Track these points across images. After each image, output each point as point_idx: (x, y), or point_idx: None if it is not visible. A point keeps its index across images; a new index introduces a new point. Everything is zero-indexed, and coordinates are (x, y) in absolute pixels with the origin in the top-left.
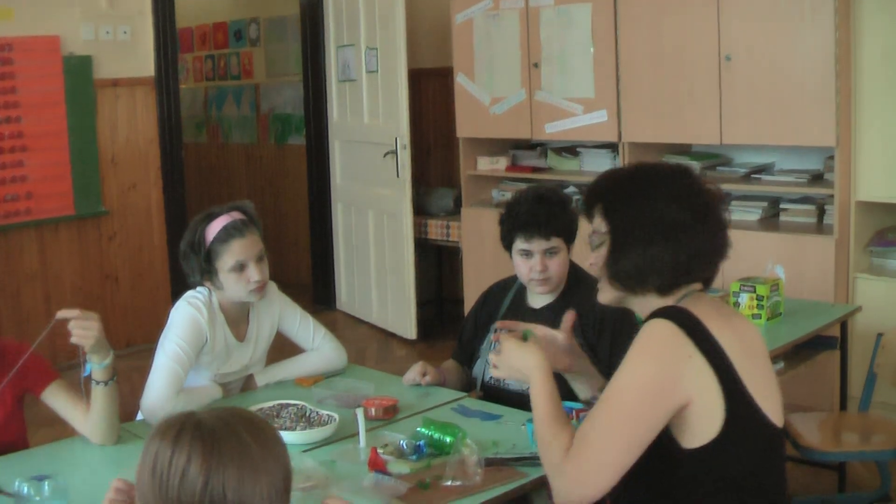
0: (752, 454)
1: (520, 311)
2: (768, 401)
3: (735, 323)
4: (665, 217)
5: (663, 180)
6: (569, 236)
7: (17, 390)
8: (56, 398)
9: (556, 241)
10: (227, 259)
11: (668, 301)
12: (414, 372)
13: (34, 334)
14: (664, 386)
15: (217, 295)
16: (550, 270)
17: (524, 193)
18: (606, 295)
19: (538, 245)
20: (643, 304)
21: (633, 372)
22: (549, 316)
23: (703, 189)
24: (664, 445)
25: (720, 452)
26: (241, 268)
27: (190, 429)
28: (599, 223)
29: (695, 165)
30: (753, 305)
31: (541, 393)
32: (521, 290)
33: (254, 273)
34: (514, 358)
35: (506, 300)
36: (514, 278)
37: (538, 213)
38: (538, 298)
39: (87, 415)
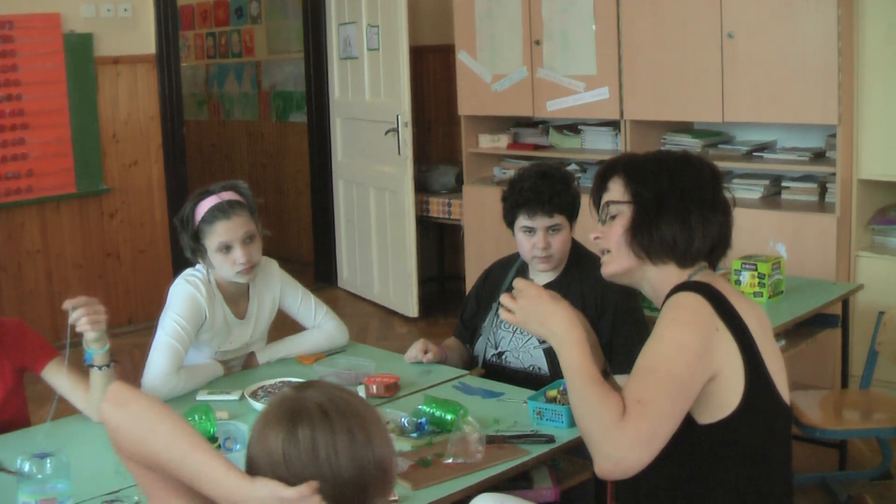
0: (764, 431)
1: None
2: (778, 378)
3: (743, 300)
4: (694, 192)
5: (684, 161)
6: (571, 213)
7: (17, 367)
8: (56, 376)
9: (558, 219)
10: (213, 239)
11: (684, 275)
12: (415, 349)
13: (35, 312)
14: (703, 354)
15: (213, 272)
16: (553, 247)
17: (527, 170)
18: (617, 265)
19: (541, 222)
20: (657, 277)
21: (676, 339)
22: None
23: (717, 173)
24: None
25: (735, 428)
26: (226, 249)
27: (333, 410)
28: (619, 193)
29: (696, 143)
30: (755, 283)
31: (581, 354)
32: (523, 268)
33: (239, 255)
34: (540, 308)
35: (507, 277)
36: (515, 256)
37: (541, 190)
38: (540, 276)
39: (87, 393)
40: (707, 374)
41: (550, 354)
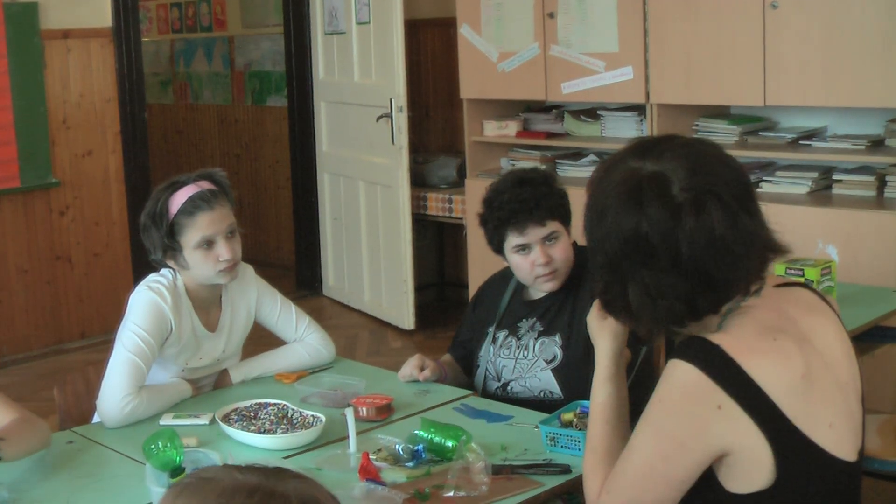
0: (814, 498)
1: (519, 306)
2: (836, 430)
3: (802, 329)
4: (641, 249)
5: (631, 200)
6: (564, 216)
7: None
8: None
9: (552, 225)
10: (192, 234)
11: (715, 318)
12: (410, 366)
13: None
14: (685, 444)
15: (183, 276)
16: (556, 259)
17: (501, 183)
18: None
19: (535, 234)
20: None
21: (651, 426)
22: (553, 305)
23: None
24: (710, 488)
25: (776, 499)
26: (208, 244)
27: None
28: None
29: (734, 130)
30: None
31: (602, 390)
32: (519, 287)
33: (223, 251)
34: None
35: (506, 295)
36: (507, 274)
37: (525, 199)
38: (537, 291)
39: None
40: (704, 456)
41: (560, 373)
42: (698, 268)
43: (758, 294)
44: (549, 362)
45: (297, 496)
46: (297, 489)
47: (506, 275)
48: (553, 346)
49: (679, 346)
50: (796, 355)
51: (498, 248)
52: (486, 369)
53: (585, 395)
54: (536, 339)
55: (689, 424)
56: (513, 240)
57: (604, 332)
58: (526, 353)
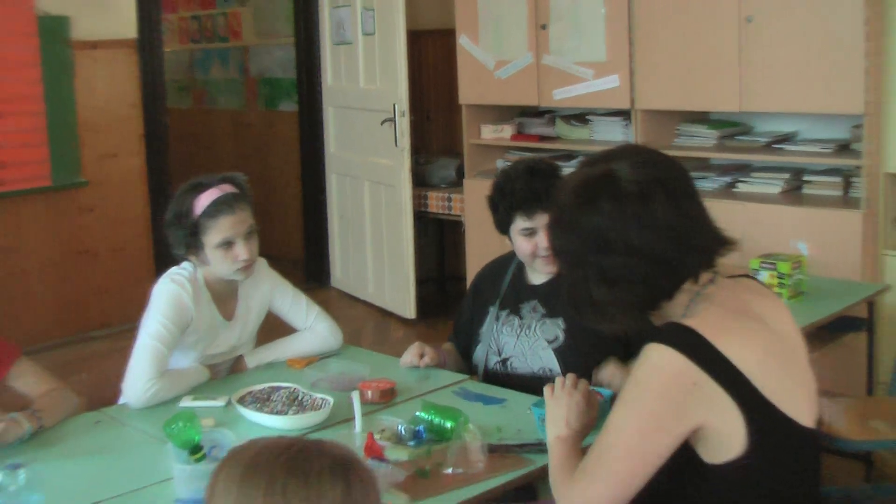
0: (782, 464)
1: (520, 288)
2: (796, 399)
3: (757, 312)
4: (611, 240)
5: (594, 197)
6: None
7: None
8: (20, 379)
9: None
10: (214, 235)
11: (683, 302)
12: (411, 354)
13: (4, 313)
14: (662, 421)
15: (202, 270)
16: None
17: (512, 170)
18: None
19: (541, 220)
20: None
21: (630, 408)
22: (554, 289)
23: (645, 193)
24: (686, 461)
25: (748, 467)
26: (228, 245)
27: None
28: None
29: (712, 134)
30: (774, 284)
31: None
32: (521, 267)
33: (241, 251)
34: (548, 416)
35: (506, 279)
36: (510, 255)
37: (535, 187)
38: (539, 275)
39: (54, 390)
40: (680, 431)
41: (561, 354)
42: (651, 251)
43: (714, 283)
44: (550, 342)
45: (331, 452)
46: (332, 447)
47: (504, 260)
48: (555, 328)
49: (654, 332)
50: (759, 334)
51: (504, 228)
52: (488, 345)
53: (584, 375)
54: (539, 320)
55: (668, 403)
56: (520, 223)
57: (554, 423)
58: (528, 332)
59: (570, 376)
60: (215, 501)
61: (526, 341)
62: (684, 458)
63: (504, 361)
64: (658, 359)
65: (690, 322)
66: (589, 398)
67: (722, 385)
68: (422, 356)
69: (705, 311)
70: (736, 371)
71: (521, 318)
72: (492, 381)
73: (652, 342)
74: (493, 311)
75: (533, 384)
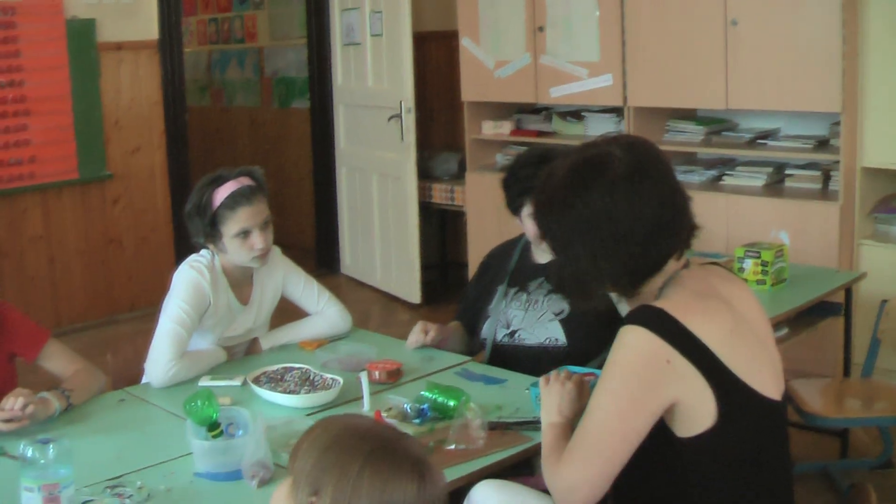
0: (750, 434)
1: (527, 267)
2: (762, 374)
3: (724, 295)
4: (603, 219)
5: (594, 177)
6: None
7: (6, 352)
8: (51, 360)
9: None
10: (232, 225)
11: (653, 288)
12: (416, 333)
13: (37, 298)
14: (640, 399)
15: (220, 257)
16: None
17: (525, 157)
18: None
19: None
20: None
21: (608, 388)
22: None
23: (638, 172)
24: (660, 436)
25: (718, 439)
26: (245, 234)
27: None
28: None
29: (699, 131)
30: (758, 271)
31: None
32: (527, 247)
33: (258, 240)
34: (542, 404)
35: (512, 259)
36: (517, 238)
37: None
38: (546, 254)
39: (82, 370)
40: (655, 408)
41: (567, 324)
42: (637, 230)
43: (687, 268)
44: (556, 314)
45: (412, 452)
46: (414, 446)
47: (511, 242)
48: (562, 302)
49: (628, 315)
50: (725, 314)
51: (515, 210)
52: (497, 319)
53: (588, 345)
54: (546, 295)
55: (643, 381)
56: (530, 206)
57: (548, 409)
58: (536, 306)
59: (564, 370)
60: (297, 459)
61: (533, 314)
62: (657, 433)
63: (512, 334)
64: (633, 339)
65: (661, 304)
66: (581, 388)
67: (692, 362)
68: (426, 333)
69: (675, 293)
70: (704, 348)
71: (528, 293)
72: (500, 353)
73: (625, 324)
74: (501, 289)
75: (539, 354)
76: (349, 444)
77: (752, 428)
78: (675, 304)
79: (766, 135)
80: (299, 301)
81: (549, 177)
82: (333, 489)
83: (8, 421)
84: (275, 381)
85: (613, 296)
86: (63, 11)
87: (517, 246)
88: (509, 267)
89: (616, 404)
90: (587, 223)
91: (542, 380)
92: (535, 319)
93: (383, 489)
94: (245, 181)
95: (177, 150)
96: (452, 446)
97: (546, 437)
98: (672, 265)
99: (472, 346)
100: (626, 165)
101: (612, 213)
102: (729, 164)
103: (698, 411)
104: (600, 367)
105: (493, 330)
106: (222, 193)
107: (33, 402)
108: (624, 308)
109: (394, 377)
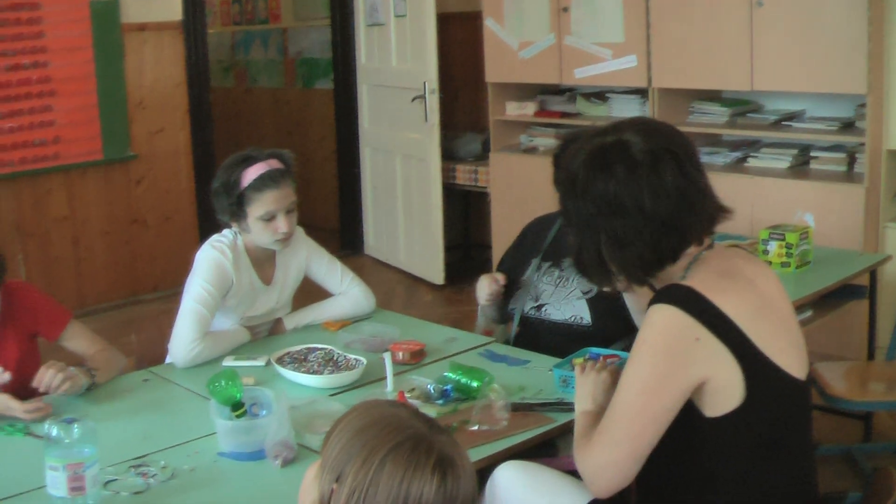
0: (776, 414)
1: (563, 244)
2: (787, 354)
3: (748, 275)
4: (617, 204)
5: (607, 163)
6: None
7: (30, 333)
8: (72, 341)
9: None
10: (258, 207)
11: (678, 270)
12: (486, 284)
13: (62, 278)
14: (669, 378)
15: (243, 237)
16: None
17: (577, 135)
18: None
19: None
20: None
21: (637, 368)
22: None
23: (655, 159)
24: (687, 416)
25: (744, 418)
26: (270, 217)
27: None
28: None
29: (724, 112)
30: (783, 253)
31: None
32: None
33: (282, 224)
34: (577, 391)
35: (550, 233)
36: (557, 213)
37: None
38: None
39: (104, 351)
40: (685, 386)
41: (594, 304)
42: (660, 215)
43: (711, 248)
44: (585, 293)
45: (439, 449)
46: (444, 443)
47: (551, 217)
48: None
49: (657, 294)
50: (750, 293)
51: None
52: (528, 291)
53: (612, 325)
54: (577, 272)
55: (673, 359)
56: None
57: (582, 396)
58: (566, 283)
59: (600, 360)
60: (331, 438)
61: (563, 291)
62: (682, 413)
63: (539, 307)
64: (662, 318)
65: (689, 282)
66: (615, 377)
67: (721, 339)
68: (496, 281)
69: (702, 272)
70: (733, 325)
71: (561, 269)
72: (524, 325)
73: (655, 303)
74: (535, 261)
75: (563, 331)
76: (378, 432)
77: (778, 407)
78: (703, 283)
79: (791, 116)
80: (322, 281)
81: (571, 159)
82: (353, 477)
83: (36, 410)
84: (298, 361)
85: (620, 286)
86: None
87: (556, 221)
88: (545, 242)
89: (645, 383)
90: (607, 208)
91: (577, 368)
92: (563, 296)
93: (402, 482)
94: (274, 164)
95: (200, 130)
96: (476, 427)
97: (578, 423)
98: (693, 250)
99: (503, 312)
100: (647, 149)
101: (631, 197)
102: (754, 145)
103: (727, 389)
104: (625, 349)
105: (522, 301)
106: (251, 174)
107: (67, 374)
108: (630, 299)
109: (417, 358)
